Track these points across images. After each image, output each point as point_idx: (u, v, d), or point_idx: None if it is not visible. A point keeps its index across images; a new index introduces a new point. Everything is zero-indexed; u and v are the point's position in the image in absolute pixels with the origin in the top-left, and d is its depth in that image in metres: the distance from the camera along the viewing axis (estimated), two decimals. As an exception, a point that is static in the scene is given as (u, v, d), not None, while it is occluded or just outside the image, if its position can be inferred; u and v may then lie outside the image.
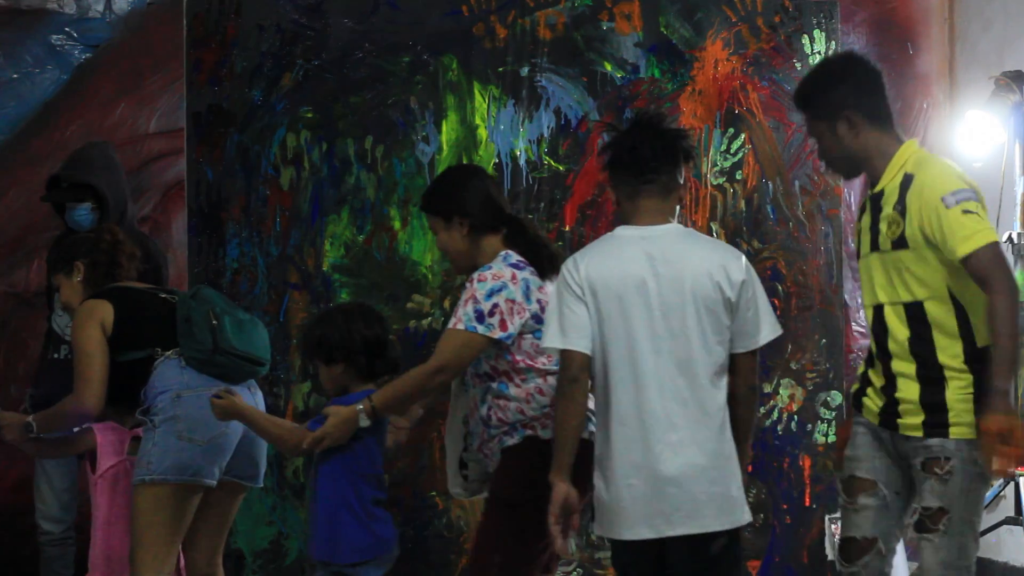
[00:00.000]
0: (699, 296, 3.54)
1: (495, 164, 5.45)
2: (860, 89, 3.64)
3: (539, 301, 3.88)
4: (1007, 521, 5.59)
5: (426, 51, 5.43)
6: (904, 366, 3.56)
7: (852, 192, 6.37)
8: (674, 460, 3.50)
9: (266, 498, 5.29)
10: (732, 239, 5.56)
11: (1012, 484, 5.55)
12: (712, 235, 5.55)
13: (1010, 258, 5.74)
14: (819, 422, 5.58)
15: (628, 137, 3.67)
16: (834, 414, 5.58)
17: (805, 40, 5.66)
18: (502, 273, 3.88)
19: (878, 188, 3.60)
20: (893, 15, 6.69)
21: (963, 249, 3.38)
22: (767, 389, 5.55)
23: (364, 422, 3.88)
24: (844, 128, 3.60)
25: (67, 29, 5.99)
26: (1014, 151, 5.77)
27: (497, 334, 3.83)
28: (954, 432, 3.49)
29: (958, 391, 3.49)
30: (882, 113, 3.65)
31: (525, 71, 5.49)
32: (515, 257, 3.94)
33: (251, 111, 5.32)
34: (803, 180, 5.63)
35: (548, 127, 5.50)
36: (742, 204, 5.60)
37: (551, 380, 3.83)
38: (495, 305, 3.84)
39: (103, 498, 4.37)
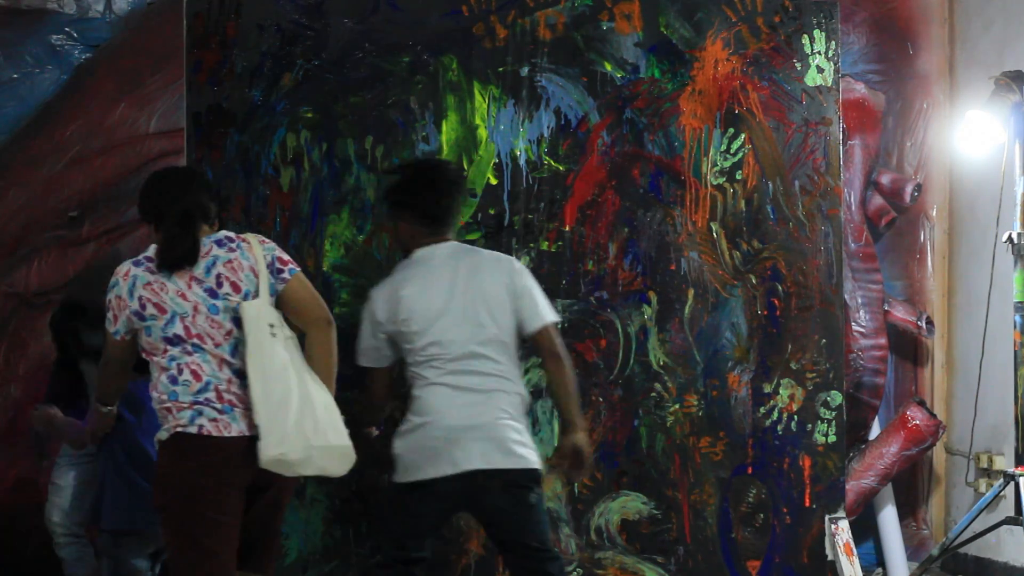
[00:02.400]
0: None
1: (495, 164, 5.45)
2: None
3: (140, 298, 3.94)
4: (1007, 521, 5.60)
5: (426, 51, 5.43)
6: None
7: (852, 192, 6.38)
8: None
9: (266, 498, 5.28)
10: (732, 239, 5.57)
11: (1012, 484, 5.55)
12: (712, 235, 5.57)
13: (1010, 258, 5.75)
14: (819, 422, 5.58)
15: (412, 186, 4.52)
16: (834, 414, 5.59)
17: (805, 40, 5.65)
18: (120, 270, 4.01)
19: None
20: (893, 15, 6.70)
21: None
22: (767, 389, 5.56)
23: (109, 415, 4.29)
24: None
25: (67, 29, 5.99)
26: (1014, 151, 5.77)
27: (112, 328, 4.00)
28: None
29: None
30: None
31: (525, 71, 5.49)
32: (149, 252, 4.02)
33: (251, 111, 5.31)
34: (803, 180, 5.63)
35: (548, 127, 5.49)
36: (742, 204, 5.60)
37: (163, 377, 3.92)
38: (109, 301, 4.00)
39: None
